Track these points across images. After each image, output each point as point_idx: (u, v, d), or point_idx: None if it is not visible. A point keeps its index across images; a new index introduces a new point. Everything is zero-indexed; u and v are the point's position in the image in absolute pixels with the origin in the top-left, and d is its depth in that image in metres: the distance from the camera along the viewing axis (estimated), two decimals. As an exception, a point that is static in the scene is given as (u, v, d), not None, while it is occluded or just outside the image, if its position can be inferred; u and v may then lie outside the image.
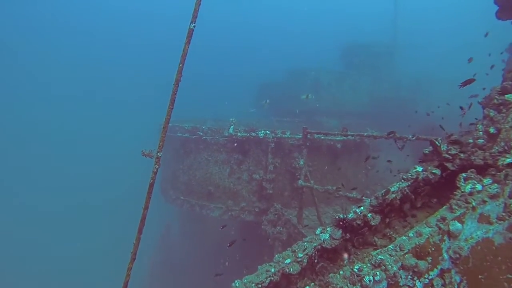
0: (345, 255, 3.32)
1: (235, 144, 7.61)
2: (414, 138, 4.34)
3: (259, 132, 7.29)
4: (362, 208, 3.37)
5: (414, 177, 3.37)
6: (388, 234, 3.39)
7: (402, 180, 3.45)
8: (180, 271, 12.32)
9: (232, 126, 7.54)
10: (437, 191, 3.53)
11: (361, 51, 18.29)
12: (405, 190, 3.33)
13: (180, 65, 2.16)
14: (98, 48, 48.48)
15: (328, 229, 3.40)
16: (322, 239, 3.28)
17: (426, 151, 3.60)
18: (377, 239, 3.40)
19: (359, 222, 3.25)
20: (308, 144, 7.42)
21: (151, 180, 2.17)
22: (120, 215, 24.41)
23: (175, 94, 2.16)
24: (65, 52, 46.10)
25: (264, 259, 7.01)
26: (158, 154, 2.18)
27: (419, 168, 3.44)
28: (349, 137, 7.10)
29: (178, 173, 8.47)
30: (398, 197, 3.29)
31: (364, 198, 4.86)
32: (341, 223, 3.30)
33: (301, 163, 5.93)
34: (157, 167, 2.18)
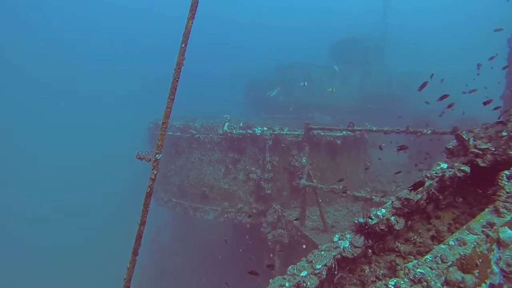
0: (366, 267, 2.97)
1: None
2: (430, 132, 4.01)
3: (256, 129, 6.88)
4: (384, 210, 3.02)
5: (440, 175, 3.04)
6: (412, 238, 3.05)
7: (426, 179, 3.11)
8: (172, 276, 11.84)
9: (226, 123, 7.10)
10: (462, 189, 3.22)
11: (351, 46, 18.06)
12: (431, 190, 2.99)
13: (183, 45, 1.73)
14: (86, 44, 47.32)
15: (347, 235, 3.03)
16: (342, 247, 2.92)
17: (450, 146, 3.28)
18: (399, 245, 3.06)
19: (382, 227, 2.90)
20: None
21: (149, 189, 1.74)
22: (109, 212, 23.87)
23: (177, 81, 1.73)
24: (52, 49, 44.83)
25: (264, 264, 6.63)
26: (157, 156, 1.75)
27: (444, 165, 3.11)
28: (356, 132, 6.79)
29: (169, 174, 7.98)
30: (424, 198, 2.95)
31: (373, 197, 4.52)
32: (362, 228, 2.94)
33: (303, 160, 5.56)
34: (155, 172, 1.75)
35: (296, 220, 5.54)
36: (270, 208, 6.86)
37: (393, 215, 2.97)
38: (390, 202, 3.16)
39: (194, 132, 7.42)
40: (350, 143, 7.74)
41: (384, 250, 3.10)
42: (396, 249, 3.02)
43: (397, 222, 2.92)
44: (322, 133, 7.07)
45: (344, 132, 7.43)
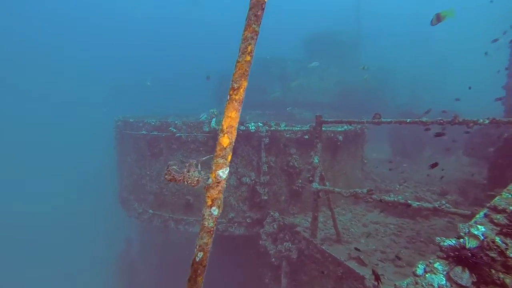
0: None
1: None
2: (487, 122, 3.24)
3: (250, 125, 5.86)
4: (483, 229, 2.16)
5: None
6: (517, 265, 2.20)
7: (526, 182, 2.30)
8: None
9: (214, 119, 6.00)
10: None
11: (326, 40, 17.63)
12: (543, 197, 2.19)
13: None
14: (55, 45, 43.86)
15: (436, 265, 2.12)
16: (437, 286, 2.01)
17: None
18: (501, 275, 2.21)
19: (493, 254, 2.03)
20: (307, 137, 6.20)
21: (201, 255, 0.77)
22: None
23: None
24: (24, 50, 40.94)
25: (265, 283, 5.66)
26: (221, 174, 0.76)
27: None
28: (380, 124, 6.03)
29: (144, 181, 6.70)
30: (540, 208, 2.13)
31: (409, 202, 3.69)
32: (462, 255, 2.06)
33: (316, 160, 4.65)
34: (215, 213, 0.80)
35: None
36: (268, 216, 5.90)
37: (497, 234, 2.13)
38: (483, 214, 2.33)
39: (175, 130, 6.21)
40: (350, 139, 6.99)
41: (479, 283, 2.25)
42: (499, 281, 2.18)
43: (507, 245, 2.09)
44: (323, 129, 6.21)
45: (346, 127, 6.66)
